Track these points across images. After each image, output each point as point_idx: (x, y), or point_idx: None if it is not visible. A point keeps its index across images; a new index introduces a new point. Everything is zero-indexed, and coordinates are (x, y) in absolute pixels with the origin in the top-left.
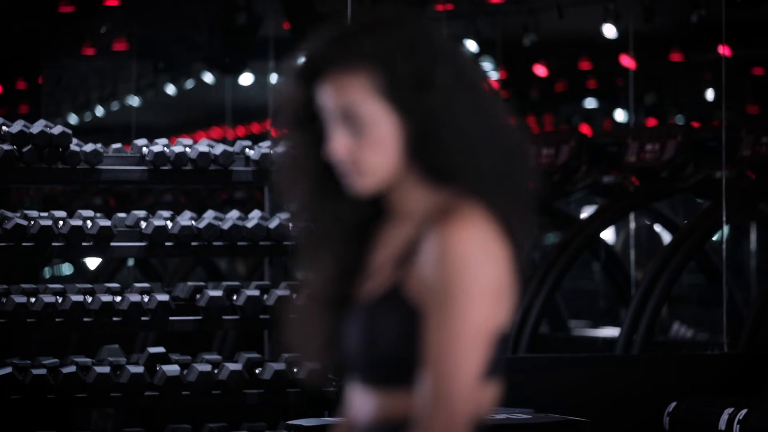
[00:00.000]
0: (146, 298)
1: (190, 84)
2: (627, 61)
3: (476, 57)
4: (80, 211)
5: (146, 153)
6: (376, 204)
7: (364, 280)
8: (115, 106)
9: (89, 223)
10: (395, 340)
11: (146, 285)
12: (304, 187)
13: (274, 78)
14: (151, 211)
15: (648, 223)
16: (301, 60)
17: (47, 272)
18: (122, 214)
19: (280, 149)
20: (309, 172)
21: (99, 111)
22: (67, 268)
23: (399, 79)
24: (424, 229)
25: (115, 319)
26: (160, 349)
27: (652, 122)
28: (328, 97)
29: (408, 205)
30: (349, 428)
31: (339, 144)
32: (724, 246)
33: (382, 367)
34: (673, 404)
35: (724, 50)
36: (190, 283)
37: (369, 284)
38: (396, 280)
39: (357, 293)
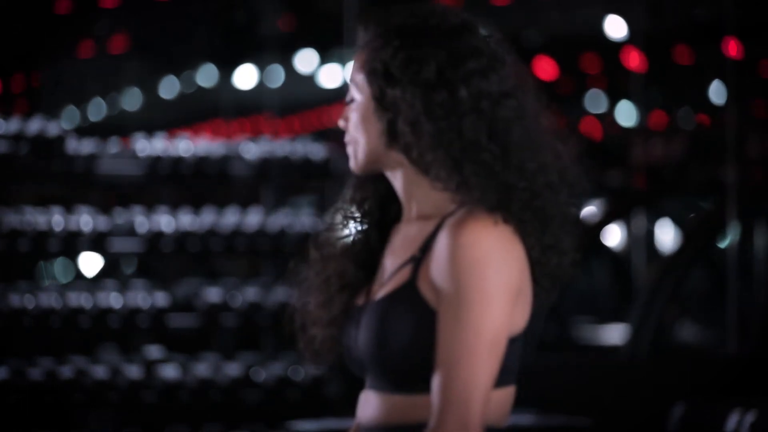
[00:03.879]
0: (145, 298)
1: (189, 80)
2: (633, 58)
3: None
4: (78, 209)
5: (145, 152)
6: (394, 201)
7: (377, 278)
8: (113, 103)
9: (87, 222)
10: (407, 340)
11: (145, 285)
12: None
13: (272, 74)
14: (150, 210)
15: (653, 223)
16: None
17: (45, 272)
18: (120, 213)
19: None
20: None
21: (97, 109)
22: (65, 268)
23: (376, 67)
24: (439, 230)
25: (113, 319)
26: (159, 350)
27: (658, 119)
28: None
29: (420, 205)
30: (358, 430)
31: (341, 116)
32: (732, 247)
33: (392, 368)
34: (679, 406)
35: (731, 49)
36: (188, 283)
37: (381, 283)
38: (410, 280)
39: (369, 290)
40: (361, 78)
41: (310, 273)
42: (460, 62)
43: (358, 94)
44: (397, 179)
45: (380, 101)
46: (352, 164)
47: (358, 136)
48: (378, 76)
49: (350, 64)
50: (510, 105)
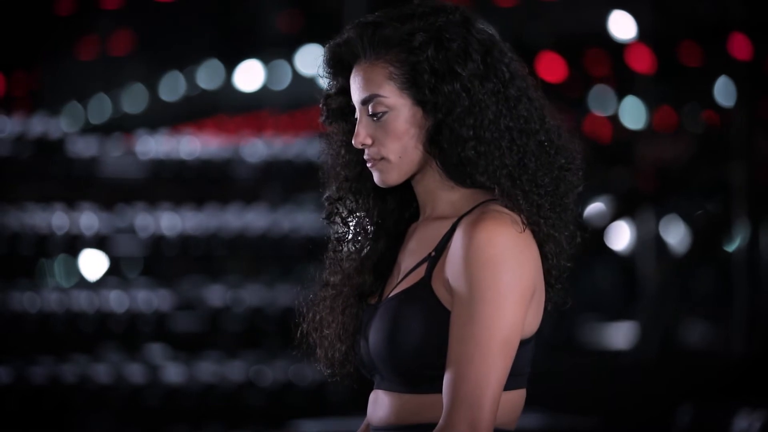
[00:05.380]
0: (148, 299)
1: (192, 77)
2: (639, 57)
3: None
4: (81, 211)
5: (148, 153)
6: (408, 204)
7: (391, 279)
8: (115, 103)
9: (90, 223)
10: (418, 339)
11: (147, 284)
12: (341, 181)
13: (275, 71)
14: (153, 211)
15: (660, 222)
16: (333, 50)
17: (48, 271)
18: (124, 214)
19: (322, 143)
20: (346, 166)
21: (101, 106)
22: (68, 269)
23: (419, 69)
24: (455, 229)
25: (116, 319)
26: (162, 350)
27: (665, 119)
28: (354, 87)
29: (440, 206)
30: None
31: (360, 134)
32: (740, 248)
33: (403, 366)
34: (687, 406)
35: (739, 47)
36: (191, 283)
37: (396, 283)
38: (424, 279)
39: (382, 291)
40: (391, 88)
41: (326, 294)
42: (489, 49)
43: (390, 106)
44: (422, 182)
45: (429, 103)
46: (387, 178)
47: (404, 146)
48: (425, 77)
49: (357, 84)
50: (533, 84)
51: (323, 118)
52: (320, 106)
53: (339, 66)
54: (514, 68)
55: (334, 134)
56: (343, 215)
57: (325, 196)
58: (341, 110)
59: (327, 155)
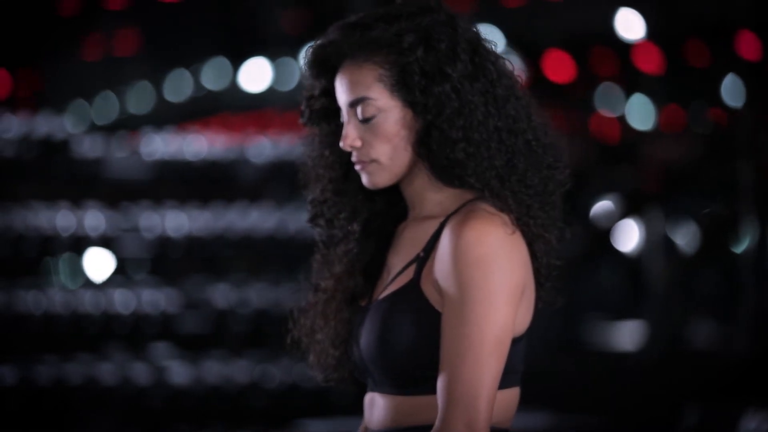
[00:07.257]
0: (153, 298)
1: (196, 78)
2: (646, 56)
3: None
4: (87, 211)
5: (154, 154)
6: (396, 204)
7: (381, 280)
8: (120, 103)
9: (94, 222)
10: (409, 341)
11: (153, 284)
12: (325, 183)
13: (280, 71)
14: (156, 210)
15: (667, 222)
16: (318, 51)
17: (53, 272)
18: (129, 215)
19: (303, 145)
20: (330, 168)
21: (104, 108)
22: (73, 270)
23: (409, 70)
24: (443, 229)
25: (121, 319)
26: (166, 349)
27: (673, 118)
28: (341, 89)
29: (428, 206)
30: None
31: (349, 137)
32: (747, 248)
33: (394, 369)
34: (693, 406)
35: (746, 46)
36: (196, 283)
37: (385, 284)
38: (413, 280)
39: (372, 293)
40: (380, 90)
41: (317, 298)
42: (476, 47)
43: (381, 108)
44: (411, 183)
45: (419, 105)
46: (377, 180)
47: (394, 148)
48: (416, 79)
49: (345, 86)
50: (519, 82)
51: (305, 119)
52: (302, 107)
53: (323, 67)
54: (501, 66)
55: (317, 135)
56: (328, 217)
57: (309, 199)
58: (324, 111)
59: (308, 157)
